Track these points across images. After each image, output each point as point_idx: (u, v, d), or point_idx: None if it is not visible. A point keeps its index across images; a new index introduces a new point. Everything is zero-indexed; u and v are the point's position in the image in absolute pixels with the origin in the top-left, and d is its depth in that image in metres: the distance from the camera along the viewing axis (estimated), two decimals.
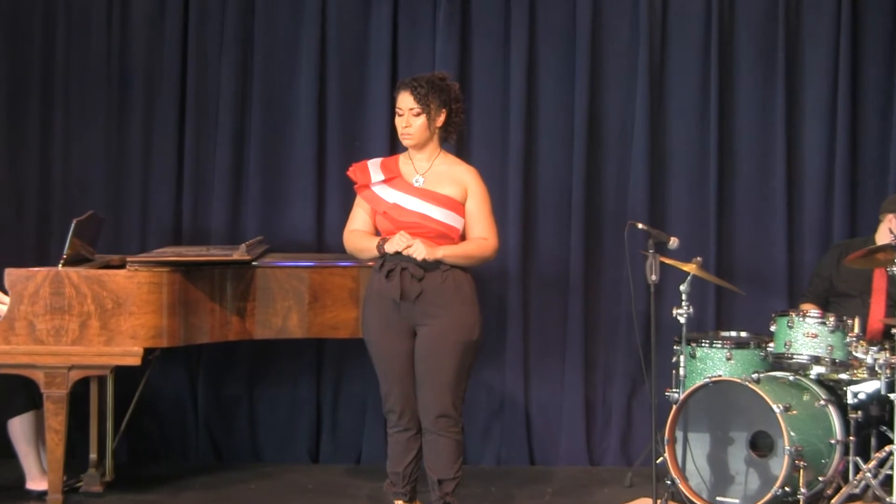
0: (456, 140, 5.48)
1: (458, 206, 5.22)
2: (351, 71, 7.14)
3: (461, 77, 7.01)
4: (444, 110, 5.26)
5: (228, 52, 7.12)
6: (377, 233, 5.31)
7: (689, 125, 7.13)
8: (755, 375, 5.92)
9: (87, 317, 5.67)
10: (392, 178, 5.29)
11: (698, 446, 5.99)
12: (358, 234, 5.35)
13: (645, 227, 6.09)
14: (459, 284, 5.19)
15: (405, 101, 5.25)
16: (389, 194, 5.26)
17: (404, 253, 5.12)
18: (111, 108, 7.11)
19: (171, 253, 6.16)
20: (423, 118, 5.24)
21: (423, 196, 5.21)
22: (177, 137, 7.13)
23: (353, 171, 5.40)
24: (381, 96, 7.02)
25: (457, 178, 5.27)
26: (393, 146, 6.64)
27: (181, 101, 7.13)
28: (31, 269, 5.72)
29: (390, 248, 5.15)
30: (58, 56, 7.09)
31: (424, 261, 5.12)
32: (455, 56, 7.07)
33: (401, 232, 5.15)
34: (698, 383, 5.99)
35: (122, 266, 5.88)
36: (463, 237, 5.26)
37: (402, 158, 5.38)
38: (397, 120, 5.29)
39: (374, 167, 5.36)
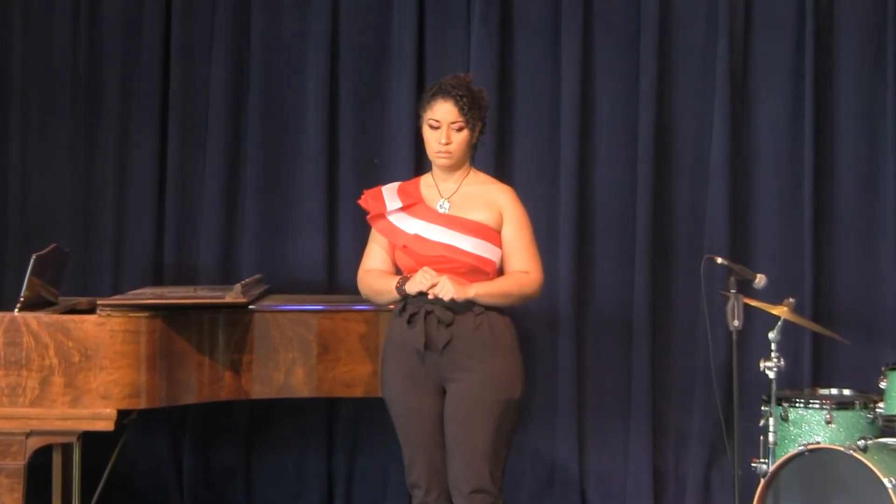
0: (491, 155, 5.50)
1: (491, 234, 5.20)
2: (368, 71, 7.20)
3: (501, 79, 7.08)
4: (478, 123, 5.26)
5: (220, 49, 7.20)
6: (398, 271, 5.30)
7: (779, 138, 7.16)
8: (861, 443, 5.88)
9: (49, 372, 5.67)
10: (412, 205, 5.27)
11: None
12: (374, 274, 5.34)
13: (726, 262, 6.11)
14: (497, 330, 5.17)
15: (446, 111, 5.20)
16: (410, 224, 5.24)
17: (429, 293, 5.10)
18: (78, 117, 7.19)
19: (150, 295, 6.18)
20: (464, 133, 5.21)
21: (449, 224, 5.19)
22: (158, 153, 7.21)
23: (364, 200, 5.38)
24: (405, 102, 7.07)
25: (489, 199, 5.25)
26: (419, 163, 6.66)
27: (163, 108, 7.21)
28: None
29: (412, 287, 5.13)
30: (14, 55, 7.17)
31: (453, 301, 5.10)
32: (494, 54, 7.12)
33: (424, 268, 5.13)
34: (791, 452, 5.98)
35: (91, 311, 5.90)
36: (501, 272, 5.25)
37: (423, 181, 5.36)
38: (431, 133, 5.22)
39: (390, 193, 5.33)
